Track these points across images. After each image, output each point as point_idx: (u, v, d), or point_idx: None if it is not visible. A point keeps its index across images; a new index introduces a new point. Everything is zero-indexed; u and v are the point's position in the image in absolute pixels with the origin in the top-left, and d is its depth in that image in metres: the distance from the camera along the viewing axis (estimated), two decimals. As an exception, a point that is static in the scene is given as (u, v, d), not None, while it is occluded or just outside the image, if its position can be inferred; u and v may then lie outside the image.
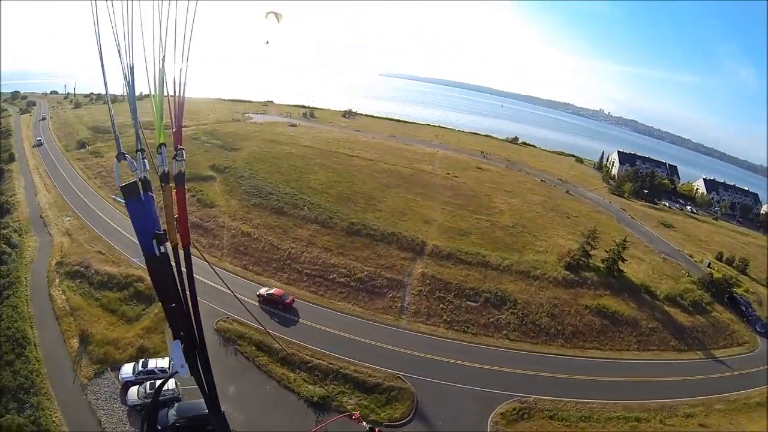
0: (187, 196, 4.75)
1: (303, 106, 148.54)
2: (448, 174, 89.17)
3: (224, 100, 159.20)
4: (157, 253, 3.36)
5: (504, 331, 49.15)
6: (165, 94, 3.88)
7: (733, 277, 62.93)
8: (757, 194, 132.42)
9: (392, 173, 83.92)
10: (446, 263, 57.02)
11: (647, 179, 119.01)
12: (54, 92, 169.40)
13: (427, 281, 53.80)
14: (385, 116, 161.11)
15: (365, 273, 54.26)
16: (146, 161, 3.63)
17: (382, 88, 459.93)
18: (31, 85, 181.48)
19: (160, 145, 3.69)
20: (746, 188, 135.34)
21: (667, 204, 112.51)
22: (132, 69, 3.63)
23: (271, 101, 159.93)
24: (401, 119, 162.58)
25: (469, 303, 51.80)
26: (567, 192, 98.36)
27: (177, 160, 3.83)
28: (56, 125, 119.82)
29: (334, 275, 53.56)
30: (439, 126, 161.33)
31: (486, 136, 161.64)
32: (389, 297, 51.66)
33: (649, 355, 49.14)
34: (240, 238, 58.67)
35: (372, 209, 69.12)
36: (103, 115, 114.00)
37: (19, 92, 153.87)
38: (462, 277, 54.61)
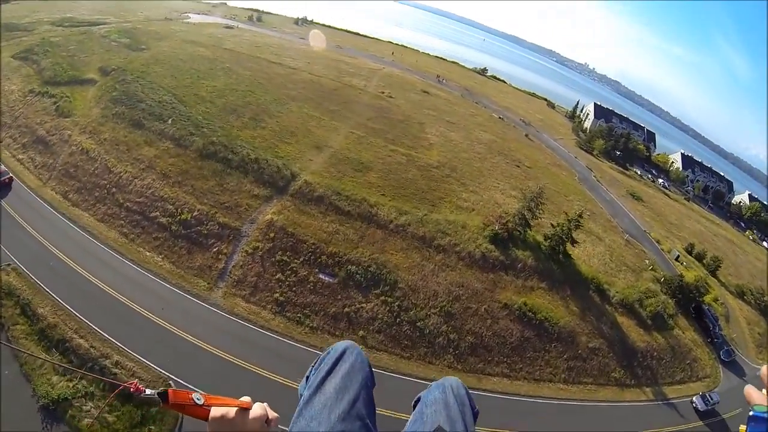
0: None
1: (255, 10, 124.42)
2: (382, 93, 67.71)
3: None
4: None
5: (362, 332, 28.45)
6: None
7: (702, 279, 45.80)
8: (732, 182, 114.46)
9: (310, 85, 63.15)
10: (312, 210, 35.38)
11: (622, 140, 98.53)
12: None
13: (272, 235, 32.78)
14: (343, 28, 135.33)
15: (195, 213, 35.22)
16: None
17: (389, 12, 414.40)
18: None
19: None
20: (722, 174, 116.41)
21: (639, 172, 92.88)
22: None
23: (225, 3, 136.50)
24: (360, 33, 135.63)
25: (321, 277, 30.76)
26: (526, 136, 75.01)
27: None
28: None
29: (157, 213, 35.87)
30: (401, 45, 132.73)
31: (453, 62, 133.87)
32: (213, 252, 32.56)
33: (579, 392, 28.56)
34: (77, 156, 41.96)
35: (255, 126, 46.98)
36: (16, 14, 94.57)
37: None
38: (325, 235, 33.18)
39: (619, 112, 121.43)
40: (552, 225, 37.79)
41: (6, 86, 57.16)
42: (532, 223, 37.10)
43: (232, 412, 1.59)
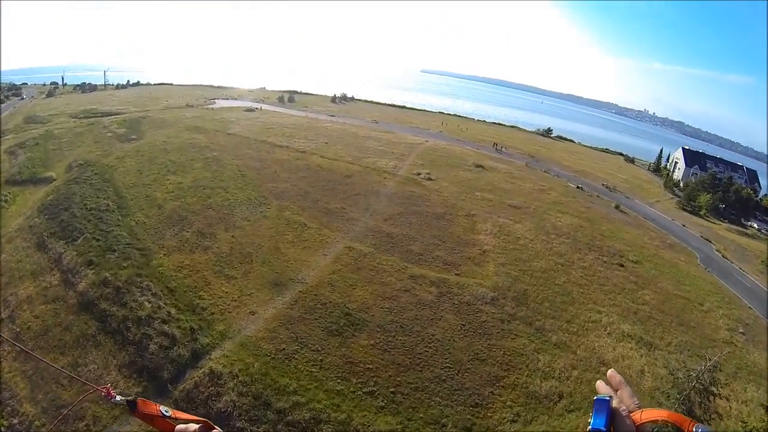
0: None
1: (291, 91, 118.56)
2: (417, 175, 49.50)
3: (212, 86, 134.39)
4: None
5: None
6: None
7: None
8: None
9: (315, 173, 47.66)
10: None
11: (725, 188, 72.32)
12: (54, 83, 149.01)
13: None
14: (388, 103, 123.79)
15: None
16: None
17: (415, 82, 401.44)
18: (78, 77, 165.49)
19: None
20: None
21: (756, 225, 66.93)
22: None
23: (264, 87, 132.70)
24: (408, 106, 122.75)
25: None
26: (617, 207, 51.93)
27: None
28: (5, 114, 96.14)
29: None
30: (453, 115, 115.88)
31: (511, 127, 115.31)
32: None
33: None
34: None
35: (195, 245, 30.45)
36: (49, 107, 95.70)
37: (15, 84, 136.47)
38: None
39: (710, 154, 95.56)
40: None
41: None
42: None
43: (194, 428, 1.58)
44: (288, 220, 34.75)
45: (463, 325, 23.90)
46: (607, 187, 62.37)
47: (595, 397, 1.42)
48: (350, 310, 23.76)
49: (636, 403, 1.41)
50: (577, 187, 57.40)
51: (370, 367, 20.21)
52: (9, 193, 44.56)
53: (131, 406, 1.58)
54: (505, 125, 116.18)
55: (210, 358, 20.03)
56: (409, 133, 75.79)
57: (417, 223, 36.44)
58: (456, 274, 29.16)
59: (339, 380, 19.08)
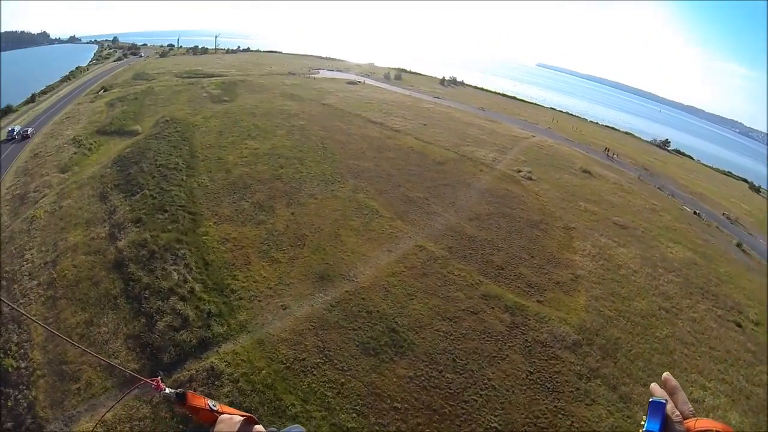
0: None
1: (399, 69, 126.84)
2: (518, 172, 47.07)
3: (320, 57, 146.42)
4: None
5: None
6: None
7: None
8: None
9: (405, 155, 46.72)
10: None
11: None
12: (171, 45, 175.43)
13: None
14: (498, 91, 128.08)
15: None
16: None
17: (527, 73, 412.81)
18: (193, 40, 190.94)
19: None
20: None
21: None
22: None
23: (372, 63, 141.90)
24: (519, 98, 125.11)
25: None
26: (739, 246, 44.98)
27: None
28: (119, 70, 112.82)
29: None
30: (565, 113, 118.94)
31: (625, 133, 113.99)
32: None
33: None
34: (17, 225, 34.30)
35: (250, 217, 30.40)
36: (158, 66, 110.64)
37: (136, 44, 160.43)
38: None
39: None
40: None
41: (63, 131, 57.06)
42: None
43: (238, 420, 1.76)
44: (359, 203, 32.96)
45: (531, 373, 19.41)
46: (728, 218, 56.35)
47: (650, 399, 1.52)
48: (398, 326, 20.75)
49: (690, 410, 1.49)
50: (694, 213, 52.43)
51: (399, 406, 16.99)
52: (96, 141, 50.92)
53: (180, 398, 1.81)
54: (618, 130, 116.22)
55: (217, 351, 18.73)
56: (516, 126, 75.34)
57: (506, 229, 32.64)
58: (538, 301, 24.62)
59: (354, 414, 16.26)
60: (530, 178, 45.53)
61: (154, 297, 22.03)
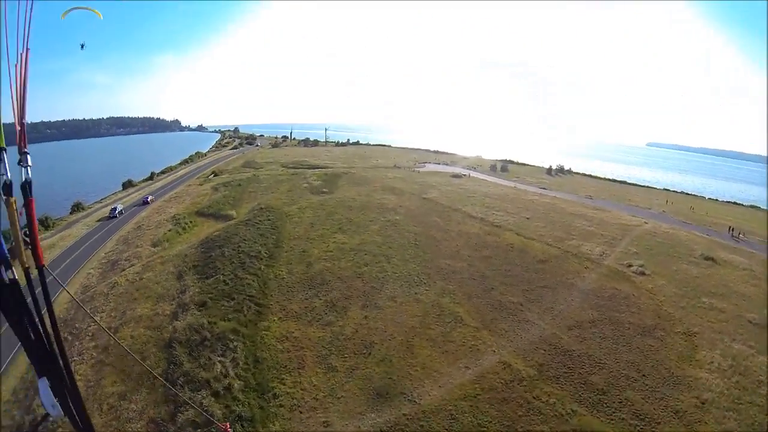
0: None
1: (508, 161, 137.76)
2: (627, 267, 44.59)
3: (428, 151, 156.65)
4: (6, 279, 3.03)
5: None
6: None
7: None
8: None
9: (503, 253, 46.31)
10: None
11: None
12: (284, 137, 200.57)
13: None
14: (607, 177, 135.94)
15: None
16: None
17: (637, 155, 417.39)
18: (305, 132, 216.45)
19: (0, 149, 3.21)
20: None
21: None
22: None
23: (480, 156, 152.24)
24: (629, 182, 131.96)
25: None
26: None
27: (22, 166, 3.23)
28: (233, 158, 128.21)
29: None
30: (680, 192, 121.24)
31: (750, 207, 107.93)
32: None
33: None
34: (88, 291, 38.99)
35: (318, 317, 30.64)
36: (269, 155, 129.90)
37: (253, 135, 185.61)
38: None
39: None
40: None
41: (167, 208, 65.61)
42: None
43: None
44: (442, 309, 31.55)
45: None
46: None
47: None
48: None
49: None
50: None
51: None
52: (192, 221, 56.98)
53: None
54: (742, 204, 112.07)
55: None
56: (626, 212, 75.86)
57: (611, 339, 28.87)
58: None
59: None
60: (642, 273, 42.68)
61: (189, 386, 22.35)
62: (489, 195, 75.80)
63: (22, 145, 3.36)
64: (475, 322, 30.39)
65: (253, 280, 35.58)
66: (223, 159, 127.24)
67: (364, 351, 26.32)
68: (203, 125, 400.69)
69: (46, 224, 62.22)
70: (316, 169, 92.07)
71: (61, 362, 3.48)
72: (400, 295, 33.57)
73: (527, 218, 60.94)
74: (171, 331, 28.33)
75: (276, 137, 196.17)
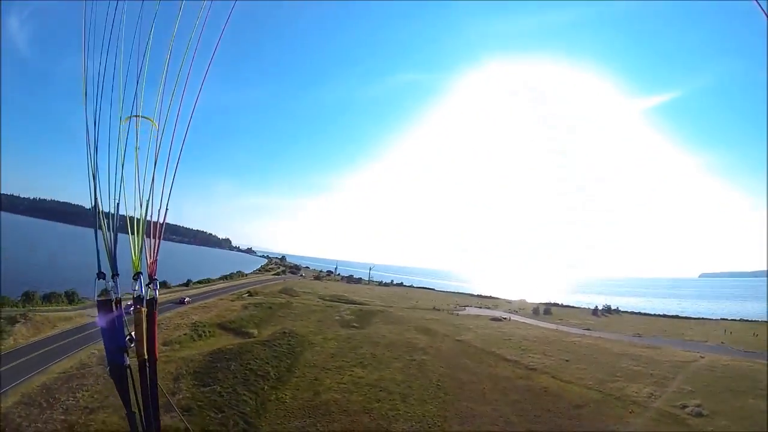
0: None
1: (552, 303, 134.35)
2: (681, 408, 39.70)
3: (472, 295, 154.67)
4: (126, 362, 3.97)
5: None
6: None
7: None
8: None
9: (537, 398, 41.99)
10: None
11: None
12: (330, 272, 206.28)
13: None
14: (658, 313, 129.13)
15: None
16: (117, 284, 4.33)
17: (690, 287, 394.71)
18: (350, 270, 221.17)
19: (137, 273, 4.32)
20: None
21: None
22: (117, 205, 4.58)
23: (524, 299, 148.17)
24: (682, 316, 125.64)
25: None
26: None
27: (151, 288, 4.43)
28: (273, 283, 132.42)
29: None
30: (739, 320, 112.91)
31: None
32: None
33: None
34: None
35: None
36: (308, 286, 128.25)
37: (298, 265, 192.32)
38: None
39: None
40: None
41: (192, 315, 64.99)
42: None
43: None
44: None
45: None
46: None
47: None
48: None
49: None
50: None
51: None
52: (211, 332, 55.66)
53: None
54: None
55: None
56: (680, 347, 72.18)
57: None
58: None
59: None
60: (700, 414, 38.06)
61: None
62: (527, 338, 72.06)
63: (153, 273, 4.42)
64: None
65: (251, 398, 32.80)
66: (262, 282, 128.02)
67: None
68: (252, 248, 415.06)
69: (71, 299, 62.59)
70: (353, 305, 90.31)
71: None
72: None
73: (566, 360, 57.04)
74: (144, 429, 25.08)
75: (321, 271, 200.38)
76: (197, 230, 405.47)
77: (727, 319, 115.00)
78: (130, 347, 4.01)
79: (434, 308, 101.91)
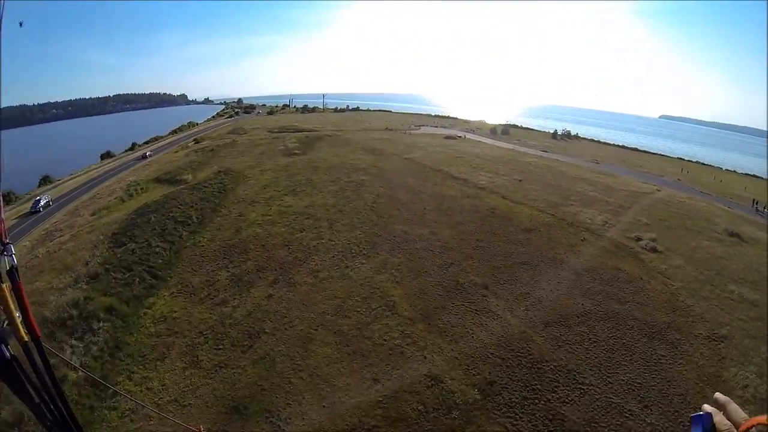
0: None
1: (511, 125, 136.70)
2: (636, 240, 36.98)
3: (431, 116, 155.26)
4: (8, 355, 2.83)
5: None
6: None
7: None
8: None
9: (483, 219, 38.53)
10: None
11: None
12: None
13: None
14: (619, 144, 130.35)
15: None
16: None
17: (650, 125, 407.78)
18: (305, 100, 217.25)
19: None
20: None
21: None
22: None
23: (484, 120, 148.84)
24: (639, 149, 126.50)
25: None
26: None
27: (6, 255, 2.94)
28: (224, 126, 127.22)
29: None
30: (696, 162, 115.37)
31: None
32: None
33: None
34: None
35: (193, 295, 25.97)
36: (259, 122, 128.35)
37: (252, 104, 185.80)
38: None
39: None
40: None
41: (129, 176, 62.72)
42: None
43: None
44: (374, 290, 25.81)
45: None
46: None
47: (691, 415, 1.63)
48: None
49: (743, 416, 1.56)
50: None
51: None
52: (145, 188, 53.52)
53: None
54: (761, 177, 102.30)
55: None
56: (637, 179, 68.84)
57: (605, 343, 21.72)
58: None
59: None
60: (654, 249, 35.24)
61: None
62: (481, 156, 69.54)
63: (3, 237, 3.01)
64: (412, 310, 23.86)
65: (165, 249, 31.30)
66: (213, 127, 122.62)
67: (246, 343, 21.30)
68: (209, 98, 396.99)
69: (8, 199, 58.72)
70: (299, 133, 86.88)
71: (71, 422, 3.12)
72: (323, 269, 28.07)
73: (519, 180, 53.94)
74: (50, 309, 24.03)
75: (276, 106, 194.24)
76: (150, 93, 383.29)
77: (684, 159, 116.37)
78: (10, 336, 2.73)
79: (387, 129, 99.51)
